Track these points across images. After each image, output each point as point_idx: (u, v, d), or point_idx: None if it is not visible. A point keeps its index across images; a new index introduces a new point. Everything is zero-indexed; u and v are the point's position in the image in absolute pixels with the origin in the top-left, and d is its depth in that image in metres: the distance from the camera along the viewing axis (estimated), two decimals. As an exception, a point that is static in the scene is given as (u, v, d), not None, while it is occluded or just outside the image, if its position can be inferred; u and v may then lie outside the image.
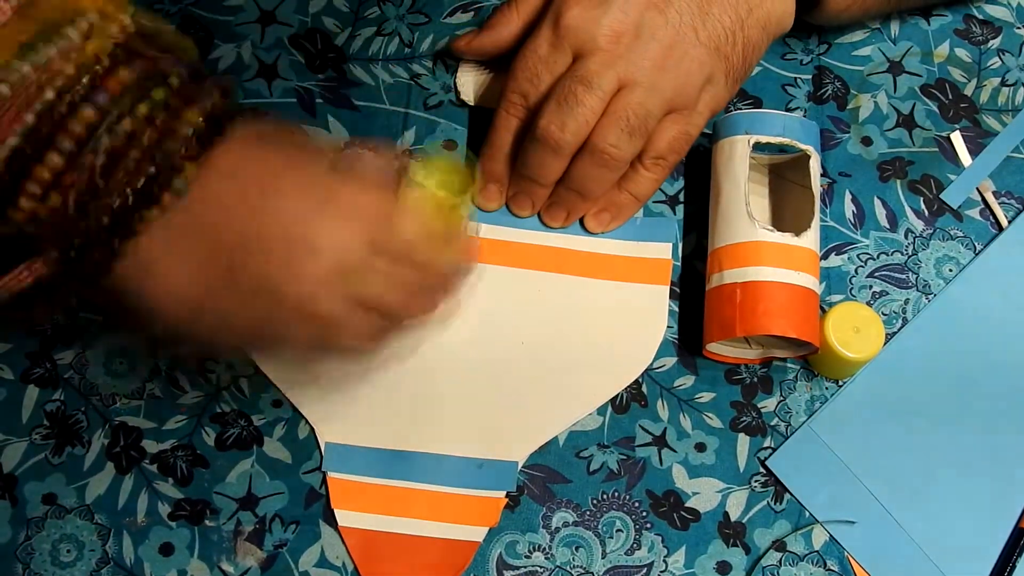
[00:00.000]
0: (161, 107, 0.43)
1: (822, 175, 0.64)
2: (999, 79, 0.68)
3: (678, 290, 0.62)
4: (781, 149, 0.61)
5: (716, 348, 0.59)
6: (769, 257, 0.57)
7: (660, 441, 0.59)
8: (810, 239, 0.58)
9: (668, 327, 0.61)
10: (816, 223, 0.59)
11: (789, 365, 0.61)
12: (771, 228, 0.58)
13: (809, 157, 0.60)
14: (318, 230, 0.45)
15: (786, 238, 0.58)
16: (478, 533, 0.57)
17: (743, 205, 0.58)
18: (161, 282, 0.45)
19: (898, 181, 0.65)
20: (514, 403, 0.59)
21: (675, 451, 0.59)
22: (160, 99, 0.43)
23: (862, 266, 0.63)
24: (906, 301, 0.62)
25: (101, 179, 0.42)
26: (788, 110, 0.66)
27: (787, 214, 0.62)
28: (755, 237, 0.57)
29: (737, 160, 0.59)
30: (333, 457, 0.58)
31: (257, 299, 0.45)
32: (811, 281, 0.58)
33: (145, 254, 0.44)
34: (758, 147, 0.60)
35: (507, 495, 0.58)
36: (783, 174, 0.63)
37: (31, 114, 0.41)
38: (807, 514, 0.58)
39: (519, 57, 0.59)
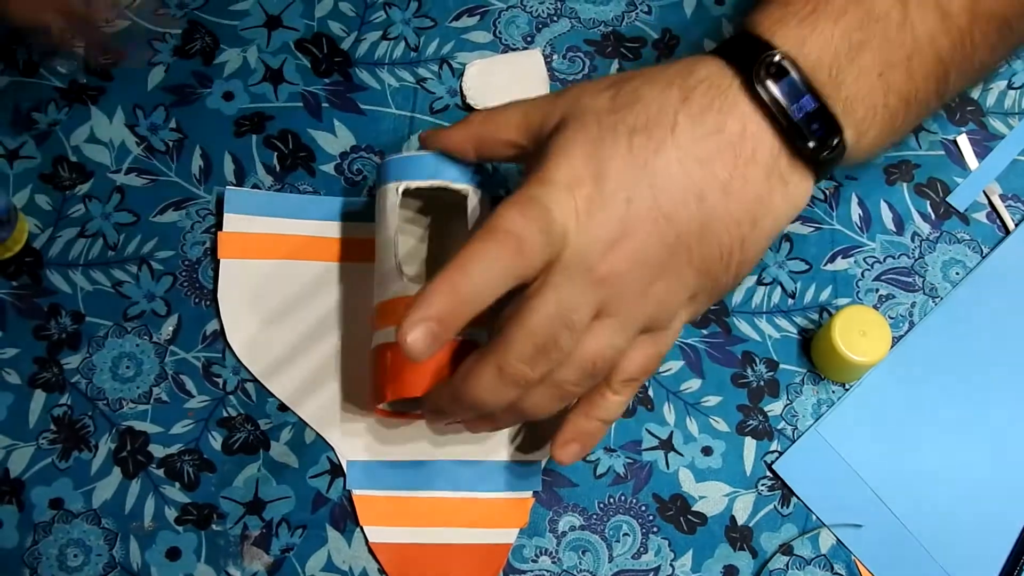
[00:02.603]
0: None
1: (829, 178, 0.64)
2: (1005, 82, 0.68)
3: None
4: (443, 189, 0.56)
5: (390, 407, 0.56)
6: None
7: (667, 445, 0.59)
8: None
9: (674, 331, 0.61)
10: None
11: (796, 369, 0.61)
12: (419, 281, 0.54)
13: (466, 197, 0.55)
14: None
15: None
16: (509, 535, 0.57)
17: (392, 258, 0.54)
18: None
19: (904, 184, 0.65)
20: None
21: (682, 455, 0.59)
22: None
23: (868, 269, 0.63)
24: (913, 304, 0.62)
25: None
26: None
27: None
28: (406, 292, 0.53)
29: (388, 210, 0.55)
30: (356, 474, 0.57)
31: None
32: None
33: None
34: (420, 191, 0.55)
35: (534, 494, 0.58)
36: (458, 214, 0.57)
37: None
38: (814, 518, 0.58)
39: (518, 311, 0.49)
